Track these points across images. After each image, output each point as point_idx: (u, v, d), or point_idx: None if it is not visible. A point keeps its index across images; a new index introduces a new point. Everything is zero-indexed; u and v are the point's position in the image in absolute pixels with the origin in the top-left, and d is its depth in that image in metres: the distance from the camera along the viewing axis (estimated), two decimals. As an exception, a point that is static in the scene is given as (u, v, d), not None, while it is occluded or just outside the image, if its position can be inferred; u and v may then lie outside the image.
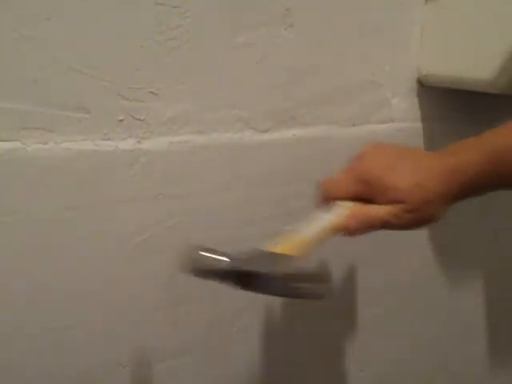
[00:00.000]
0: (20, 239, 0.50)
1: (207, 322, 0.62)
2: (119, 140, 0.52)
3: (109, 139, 0.52)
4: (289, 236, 0.50)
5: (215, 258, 0.46)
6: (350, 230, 0.53)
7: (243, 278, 0.46)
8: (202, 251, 0.47)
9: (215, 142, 0.57)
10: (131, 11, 0.50)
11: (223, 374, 0.64)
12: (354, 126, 0.67)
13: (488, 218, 0.82)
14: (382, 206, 0.52)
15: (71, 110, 0.49)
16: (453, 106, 0.74)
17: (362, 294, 0.73)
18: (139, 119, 0.53)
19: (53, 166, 0.49)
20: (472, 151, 0.53)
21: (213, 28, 0.55)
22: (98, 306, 0.55)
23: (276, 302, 0.66)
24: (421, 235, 0.77)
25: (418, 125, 0.71)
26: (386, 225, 0.53)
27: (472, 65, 0.65)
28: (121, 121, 0.52)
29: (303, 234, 0.51)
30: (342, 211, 0.53)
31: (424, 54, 0.69)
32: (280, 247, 0.49)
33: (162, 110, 0.54)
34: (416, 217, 0.52)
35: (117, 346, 0.57)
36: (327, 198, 0.55)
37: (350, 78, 0.65)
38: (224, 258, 0.46)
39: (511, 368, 0.92)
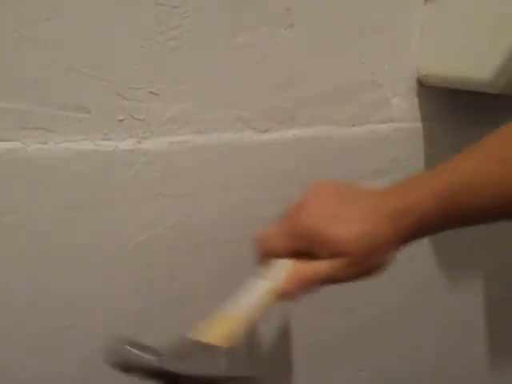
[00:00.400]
0: (20, 239, 0.50)
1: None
2: (119, 140, 0.52)
3: (109, 139, 0.52)
4: (222, 316, 0.46)
5: (141, 356, 0.43)
6: (289, 296, 0.48)
7: (169, 377, 0.42)
8: (129, 346, 0.43)
9: (215, 142, 0.57)
10: (131, 11, 0.50)
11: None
12: (353, 126, 0.67)
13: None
14: (324, 262, 0.47)
15: (71, 110, 0.49)
16: (453, 105, 0.74)
17: (361, 294, 0.73)
18: (139, 119, 0.53)
19: (53, 165, 0.49)
20: (421, 188, 0.48)
21: (213, 28, 0.55)
22: (97, 305, 0.55)
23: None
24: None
25: (418, 125, 0.71)
26: (329, 281, 0.48)
27: (472, 65, 0.65)
28: (121, 121, 0.52)
29: (237, 313, 0.46)
30: (279, 274, 0.48)
31: (424, 53, 0.69)
32: (211, 333, 0.44)
33: (161, 110, 0.54)
34: (363, 268, 0.48)
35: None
36: (263, 256, 0.50)
37: (350, 78, 0.65)
38: (150, 356, 0.43)
39: (511, 368, 0.92)
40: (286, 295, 0.48)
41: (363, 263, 0.48)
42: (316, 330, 0.71)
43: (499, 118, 0.78)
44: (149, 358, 0.43)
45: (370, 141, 0.68)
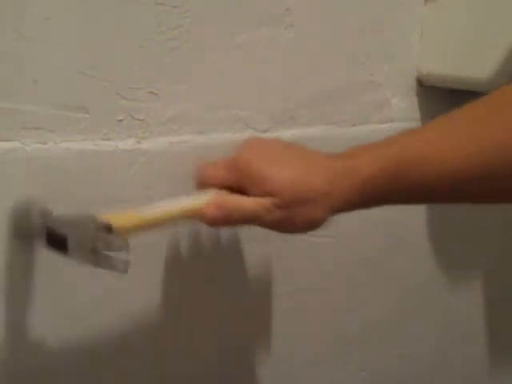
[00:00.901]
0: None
1: (207, 322, 0.62)
2: (119, 140, 0.52)
3: (108, 139, 0.52)
4: (134, 210, 0.46)
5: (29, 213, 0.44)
6: (207, 218, 0.47)
7: (48, 235, 0.43)
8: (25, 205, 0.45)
9: (215, 142, 0.57)
10: (131, 11, 0.50)
11: (222, 373, 0.64)
12: (353, 126, 0.67)
13: (488, 218, 0.82)
14: (252, 198, 0.46)
15: (71, 110, 0.49)
16: (453, 105, 0.74)
17: (361, 294, 0.73)
18: (139, 119, 0.53)
19: (52, 165, 0.49)
20: (371, 154, 0.47)
21: (213, 28, 0.55)
22: (97, 305, 0.55)
23: (275, 299, 0.66)
24: (421, 235, 0.77)
25: (418, 125, 0.71)
26: (253, 218, 0.46)
27: (472, 65, 0.65)
28: (120, 121, 0.52)
29: (147, 211, 0.46)
30: (203, 197, 0.48)
31: (424, 53, 0.69)
32: (113, 217, 0.44)
33: (161, 109, 0.54)
34: (289, 215, 0.46)
35: (116, 345, 0.57)
36: (199, 183, 0.50)
37: (350, 77, 0.65)
38: (37, 215, 0.43)
39: (511, 368, 0.92)
40: (204, 217, 0.47)
41: (291, 210, 0.46)
42: (316, 330, 0.71)
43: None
44: (35, 214, 0.43)
45: (369, 141, 0.68)
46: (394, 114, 0.69)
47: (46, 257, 0.45)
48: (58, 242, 0.42)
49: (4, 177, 0.48)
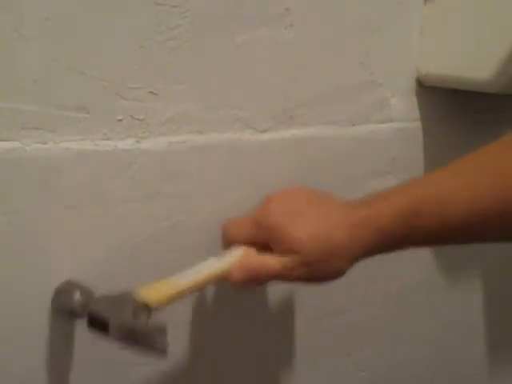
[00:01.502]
0: (19, 239, 0.50)
1: (207, 322, 0.62)
2: (118, 140, 0.52)
3: (108, 139, 0.52)
4: (165, 281, 0.49)
5: (71, 294, 0.47)
6: (233, 282, 0.49)
7: (89, 318, 0.46)
8: (66, 286, 0.48)
9: (214, 142, 0.57)
10: (131, 11, 0.51)
11: (225, 373, 0.65)
12: (353, 125, 0.67)
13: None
14: (276, 257, 0.48)
15: (71, 110, 0.50)
16: (452, 105, 0.74)
17: (361, 294, 0.73)
18: (138, 119, 0.53)
19: (52, 165, 0.50)
20: (387, 202, 0.48)
21: (212, 28, 0.55)
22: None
23: (274, 301, 0.66)
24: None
25: (418, 125, 0.72)
26: (276, 277, 0.48)
27: (472, 65, 0.65)
28: (120, 121, 0.52)
29: (180, 281, 0.49)
30: (230, 258, 0.50)
31: (423, 53, 0.69)
32: (149, 293, 0.47)
33: (161, 109, 0.54)
34: (311, 271, 0.47)
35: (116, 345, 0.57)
36: (225, 241, 0.53)
37: (350, 77, 0.65)
38: (78, 297, 0.47)
39: (511, 368, 0.92)
40: (230, 280, 0.49)
41: (313, 266, 0.47)
42: (316, 330, 0.71)
43: (499, 117, 0.78)
44: (76, 297, 0.47)
45: (369, 141, 0.68)
46: (393, 114, 0.69)
47: (85, 333, 0.47)
48: (99, 324, 0.45)
49: (4, 176, 0.48)
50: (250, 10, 0.57)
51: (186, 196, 0.57)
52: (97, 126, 0.51)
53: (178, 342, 0.58)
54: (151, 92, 0.53)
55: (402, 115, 0.70)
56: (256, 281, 0.49)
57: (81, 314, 0.46)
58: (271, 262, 0.48)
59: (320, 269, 0.48)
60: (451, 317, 0.83)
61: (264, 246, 0.50)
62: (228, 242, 0.52)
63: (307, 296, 0.68)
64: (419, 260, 0.78)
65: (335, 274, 0.49)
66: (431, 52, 0.69)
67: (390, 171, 0.70)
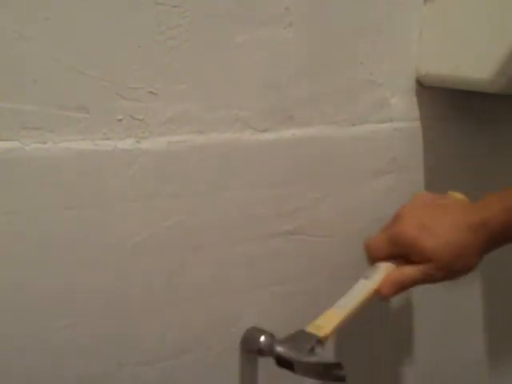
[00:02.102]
0: (19, 239, 0.50)
1: (207, 322, 0.62)
2: (118, 140, 0.52)
3: (108, 139, 0.52)
4: (329, 312, 0.57)
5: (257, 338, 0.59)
6: (383, 296, 0.58)
7: (276, 358, 0.56)
8: (252, 332, 0.61)
9: (214, 142, 0.57)
10: (131, 11, 0.51)
11: (223, 373, 0.64)
12: (353, 125, 0.67)
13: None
14: (415, 267, 0.58)
15: (70, 110, 0.50)
16: (452, 105, 0.74)
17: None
18: (138, 119, 0.53)
19: (52, 165, 0.50)
20: (495, 204, 0.58)
21: (212, 27, 0.55)
22: (97, 305, 0.55)
23: (274, 303, 0.66)
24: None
25: (417, 124, 0.72)
26: (419, 283, 0.58)
27: (471, 65, 0.65)
28: (120, 120, 0.52)
29: (341, 309, 0.57)
30: (378, 277, 0.59)
31: (423, 53, 0.69)
32: (320, 326, 0.56)
33: (161, 109, 0.54)
34: (448, 272, 0.57)
35: (116, 345, 0.57)
36: (369, 260, 0.62)
37: (349, 77, 0.65)
38: (264, 339, 0.58)
39: (511, 368, 0.92)
40: (380, 295, 0.58)
41: (448, 268, 0.57)
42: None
43: (498, 117, 0.78)
44: (263, 340, 0.58)
45: (369, 140, 0.68)
46: (393, 114, 0.69)
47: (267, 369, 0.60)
48: (286, 364, 0.55)
49: (3, 176, 0.48)
50: (249, 10, 0.57)
51: (186, 196, 0.57)
52: (97, 125, 0.51)
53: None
54: (151, 92, 0.53)
55: (401, 115, 0.70)
56: (402, 290, 0.59)
57: (266, 353, 0.58)
58: (412, 272, 0.58)
59: (455, 269, 0.58)
60: (451, 317, 0.83)
61: (402, 258, 0.59)
62: (371, 260, 0.61)
63: (307, 296, 0.68)
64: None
65: (468, 269, 0.59)
66: (431, 52, 0.69)
67: (389, 171, 0.70)
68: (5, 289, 0.50)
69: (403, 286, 0.58)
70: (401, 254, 0.59)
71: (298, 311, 0.68)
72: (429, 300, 0.80)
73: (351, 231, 0.69)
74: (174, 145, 0.55)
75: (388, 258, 0.60)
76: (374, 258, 0.61)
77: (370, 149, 0.68)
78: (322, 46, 0.62)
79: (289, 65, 0.60)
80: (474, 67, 0.65)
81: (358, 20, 0.64)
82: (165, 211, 0.56)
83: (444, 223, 0.58)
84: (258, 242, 0.62)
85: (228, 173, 0.59)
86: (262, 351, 0.59)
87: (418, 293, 0.78)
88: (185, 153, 0.56)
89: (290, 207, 0.64)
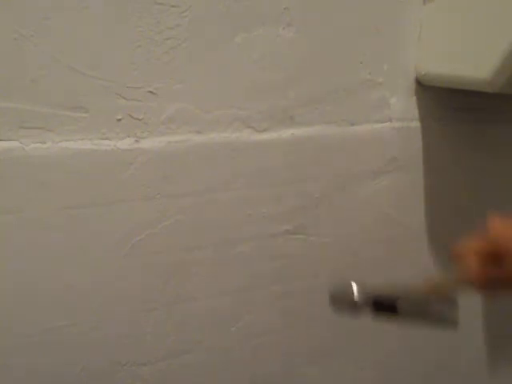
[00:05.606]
0: (18, 238, 0.50)
1: (206, 321, 0.62)
2: (117, 139, 0.52)
3: (107, 138, 0.52)
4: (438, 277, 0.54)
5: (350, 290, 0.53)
6: (477, 287, 0.54)
7: (374, 304, 0.51)
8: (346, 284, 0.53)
9: (213, 142, 0.57)
10: (130, 11, 0.51)
11: (222, 372, 0.64)
12: (352, 125, 0.67)
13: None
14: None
15: (70, 110, 0.50)
16: (451, 105, 0.74)
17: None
18: (137, 119, 0.53)
19: (51, 165, 0.50)
20: None
21: (211, 27, 0.55)
22: (96, 305, 0.55)
23: (274, 303, 0.66)
24: (421, 238, 0.77)
25: (417, 124, 0.71)
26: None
27: (470, 64, 0.65)
28: (119, 120, 0.52)
29: (441, 279, 0.54)
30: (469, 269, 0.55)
31: (422, 53, 0.69)
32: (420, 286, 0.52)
33: (160, 109, 0.54)
34: None
35: (116, 345, 0.57)
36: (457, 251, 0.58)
37: (349, 77, 0.65)
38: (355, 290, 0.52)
39: (511, 368, 0.92)
40: (474, 287, 0.54)
41: None
42: (316, 330, 0.71)
43: (497, 117, 0.78)
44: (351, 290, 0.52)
45: (368, 140, 0.68)
46: (392, 114, 0.69)
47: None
48: (386, 307, 0.50)
49: (3, 176, 0.48)
50: (249, 10, 0.57)
51: (186, 196, 0.57)
52: (96, 125, 0.51)
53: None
54: (150, 91, 0.53)
55: (401, 115, 0.70)
56: (494, 289, 0.55)
57: (354, 304, 0.52)
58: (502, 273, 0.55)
59: None
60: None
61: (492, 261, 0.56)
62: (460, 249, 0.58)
63: (307, 296, 0.68)
64: (419, 260, 0.77)
65: None
66: (430, 52, 0.69)
67: (389, 170, 0.70)
68: (5, 288, 0.50)
69: (495, 284, 0.55)
70: (494, 253, 0.56)
71: (298, 311, 0.68)
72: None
73: (351, 231, 0.69)
74: (173, 144, 0.55)
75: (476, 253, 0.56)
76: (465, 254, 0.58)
77: (370, 148, 0.68)
78: (321, 45, 0.62)
79: (288, 65, 0.60)
80: (474, 67, 0.65)
81: (357, 20, 0.64)
82: (163, 210, 0.56)
83: None
84: (258, 242, 0.62)
85: (227, 172, 0.59)
86: (354, 303, 0.52)
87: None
88: (184, 152, 0.56)
89: (289, 207, 0.64)
